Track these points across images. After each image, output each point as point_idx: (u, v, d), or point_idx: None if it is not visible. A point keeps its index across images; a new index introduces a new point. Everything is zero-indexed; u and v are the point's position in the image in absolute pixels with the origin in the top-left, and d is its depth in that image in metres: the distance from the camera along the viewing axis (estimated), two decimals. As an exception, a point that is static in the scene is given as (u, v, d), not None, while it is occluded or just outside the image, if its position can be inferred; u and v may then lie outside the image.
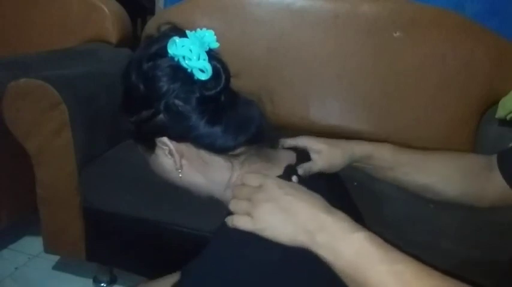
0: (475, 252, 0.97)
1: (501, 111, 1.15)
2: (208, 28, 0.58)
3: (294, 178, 0.60)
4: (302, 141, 0.70)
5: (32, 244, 1.45)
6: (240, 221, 0.54)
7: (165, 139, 0.58)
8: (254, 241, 0.52)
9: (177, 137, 0.58)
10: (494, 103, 1.26)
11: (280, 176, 0.60)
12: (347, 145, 0.71)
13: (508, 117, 1.12)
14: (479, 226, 0.97)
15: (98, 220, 1.16)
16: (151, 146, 0.61)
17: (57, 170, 1.12)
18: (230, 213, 0.56)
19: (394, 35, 1.33)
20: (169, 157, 0.60)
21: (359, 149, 0.72)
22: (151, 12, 2.11)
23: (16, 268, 1.38)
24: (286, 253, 0.52)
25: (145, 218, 1.10)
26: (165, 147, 0.59)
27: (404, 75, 1.34)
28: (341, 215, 0.52)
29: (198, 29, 0.58)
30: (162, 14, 1.56)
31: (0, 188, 1.28)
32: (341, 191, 0.73)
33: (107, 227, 1.16)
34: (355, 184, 0.93)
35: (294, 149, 0.70)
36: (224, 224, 0.55)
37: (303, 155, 0.69)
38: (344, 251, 0.49)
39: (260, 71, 1.41)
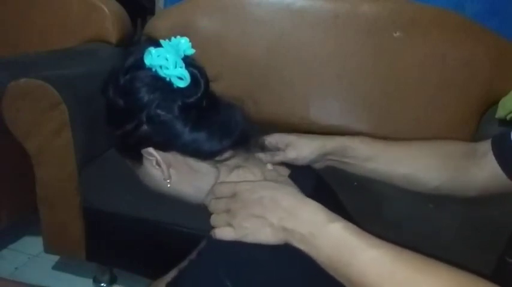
0: (475, 252, 0.97)
1: (501, 111, 1.15)
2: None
3: (269, 165, 0.62)
4: (273, 137, 0.71)
5: (32, 244, 1.45)
6: (222, 233, 0.55)
7: (150, 150, 0.58)
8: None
9: (162, 147, 0.58)
10: (494, 103, 1.26)
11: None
12: (318, 137, 0.71)
13: (508, 117, 1.12)
14: (479, 226, 0.97)
15: (98, 220, 1.16)
16: (139, 158, 0.60)
17: (57, 170, 1.12)
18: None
19: (394, 35, 1.33)
20: (157, 167, 0.59)
21: (332, 141, 0.70)
22: (151, 12, 2.10)
23: (16, 268, 1.38)
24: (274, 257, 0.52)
25: (145, 218, 1.10)
26: (151, 158, 0.58)
27: (404, 75, 1.35)
28: (315, 207, 0.52)
29: (173, 38, 0.58)
30: (162, 14, 1.56)
31: (0, 188, 1.28)
32: (329, 192, 0.73)
33: (107, 227, 1.16)
34: (355, 184, 0.93)
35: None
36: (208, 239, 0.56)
37: None
38: (323, 246, 0.49)
39: (260, 71, 1.41)
